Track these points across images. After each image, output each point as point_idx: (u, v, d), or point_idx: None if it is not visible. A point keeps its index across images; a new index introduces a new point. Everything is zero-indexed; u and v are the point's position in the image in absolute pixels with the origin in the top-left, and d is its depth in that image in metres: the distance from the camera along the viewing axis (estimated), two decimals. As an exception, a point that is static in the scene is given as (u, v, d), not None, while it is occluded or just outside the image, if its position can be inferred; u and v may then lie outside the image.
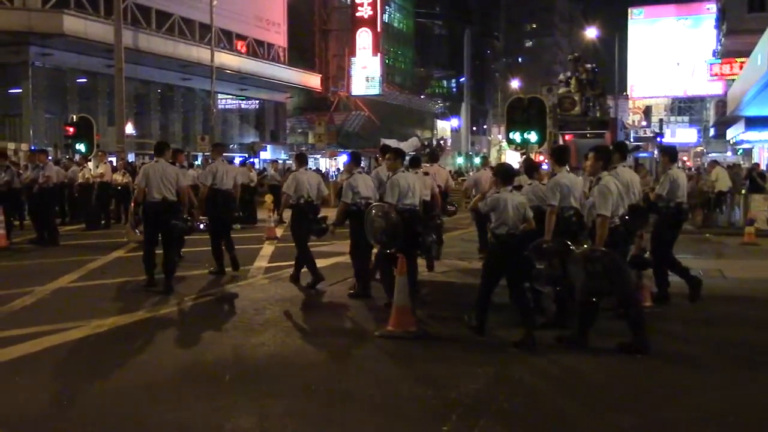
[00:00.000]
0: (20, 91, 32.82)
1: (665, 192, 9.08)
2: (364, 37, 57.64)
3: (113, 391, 5.83)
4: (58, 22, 30.22)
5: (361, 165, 10.26)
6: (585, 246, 7.00)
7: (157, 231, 9.98)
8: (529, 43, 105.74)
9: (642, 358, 6.79)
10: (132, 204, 12.30)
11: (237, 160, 33.16)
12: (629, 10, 73.69)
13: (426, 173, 11.63)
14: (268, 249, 14.19)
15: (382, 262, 9.01)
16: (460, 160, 70.62)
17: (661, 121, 54.11)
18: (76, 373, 6.27)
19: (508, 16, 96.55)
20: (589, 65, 28.70)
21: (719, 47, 47.00)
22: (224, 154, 12.54)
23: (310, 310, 9.06)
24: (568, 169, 8.25)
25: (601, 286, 6.71)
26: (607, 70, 50.49)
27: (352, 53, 57.84)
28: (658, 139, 45.68)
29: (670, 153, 9.71)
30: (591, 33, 62.38)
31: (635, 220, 7.62)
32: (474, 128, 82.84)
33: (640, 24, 72.14)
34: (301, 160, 10.98)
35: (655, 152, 41.38)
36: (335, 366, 6.65)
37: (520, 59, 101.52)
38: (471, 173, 20.01)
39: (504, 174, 7.54)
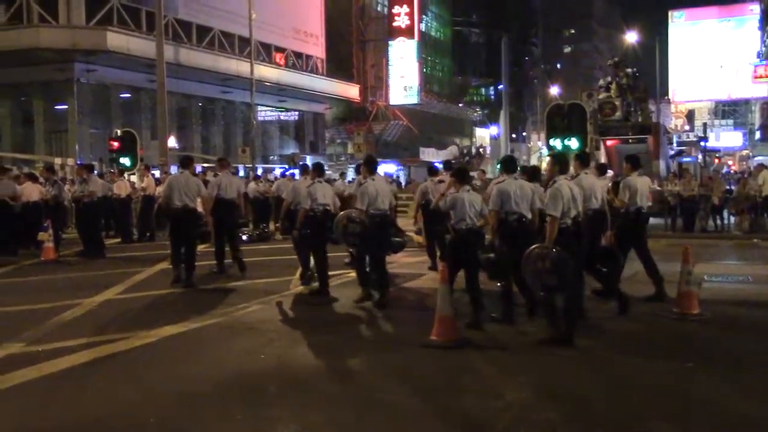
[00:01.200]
0: (66, 107, 33.61)
1: (626, 198, 9.65)
2: (401, 47, 57.77)
3: (159, 402, 5.91)
4: (102, 39, 30.88)
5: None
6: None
7: (180, 234, 11.28)
8: (567, 49, 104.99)
9: (693, 366, 6.68)
10: (160, 206, 13.06)
11: (277, 171, 33.50)
12: (670, 13, 72.81)
13: (441, 181, 12.13)
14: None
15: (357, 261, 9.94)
16: (499, 168, 70.21)
17: (704, 125, 53.13)
18: (124, 384, 6.37)
19: (546, 22, 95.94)
20: (629, 69, 28.40)
21: (763, 49, 46.15)
22: (264, 165, 13.25)
23: (351, 320, 9.08)
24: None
25: (550, 281, 7.22)
26: (647, 74, 49.85)
27: (390, 63, 58.00)
28: (702, 143, 44.92)
29: (633, 161, 10.09)
30: (631, 37, 61.70)
31: (596, 224, 8.41)
32: (513, 135, 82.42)
33: (681, 27, 71.21)
34: (319, 170, 10.94)
35: (699, 156, 40.73)
36: (376, 376, 6.65)
37: (558, 65, 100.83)
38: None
39: (461, 176, 8.68)
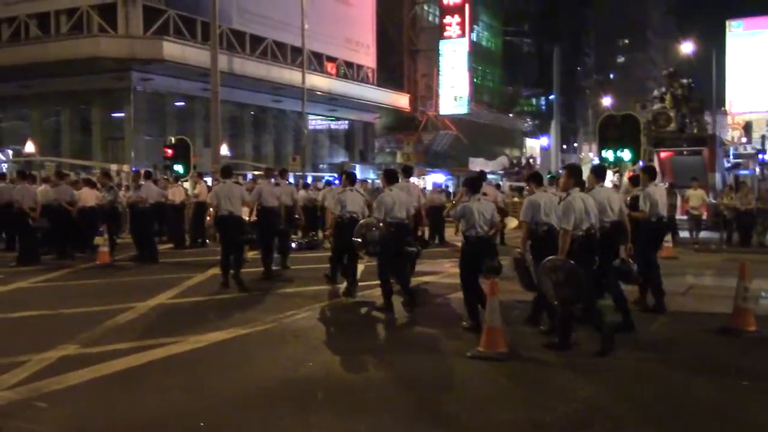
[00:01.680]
0: (123, 115, 34.42)
1: (647, 209, 9.72)
2: (452, 57, 57.71)
3: (209, 405, 5.99)
4: (159, 48, 31.58)
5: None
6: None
7: (227, 239, 11.99)
8: (621, 59, 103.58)
9: (748, 384, 6.51)
10: (208, 218, 13.93)
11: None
12: (727, 23, 71.33)
13: (483, 194, 12.27)
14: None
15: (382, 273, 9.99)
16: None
17: (763, 137, 51.74)
18: (175, 387, 6.48)
19: (600, 32, 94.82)
20: (684, 80, 27.88)
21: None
22: (314, 174, 13.77)
23: (399, 328, 9.08)
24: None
25: (565, 293, 7.31)
26: (703, 84, 48.88)
27: (441, 73, 57.99)
28: (760, 155, 43.79)
29: (650, 172, 10.42)
30: (686, 47, 60.54)
31: (616, 235, 8.48)
32: (564, 146, 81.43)
33: (739, 37, 69.70)
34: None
35: (756, 169, 39.72)
36: (422, 385, 6.64)
37: (611, 75, 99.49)
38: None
39: (472, 185, 8.87)
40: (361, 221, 10.34)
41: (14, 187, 15.86)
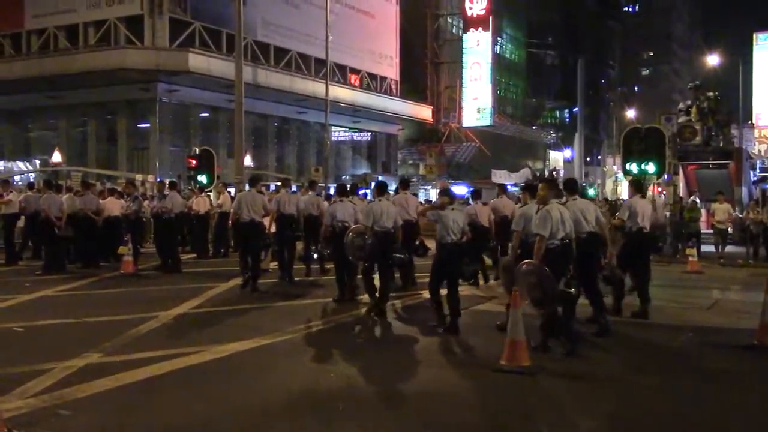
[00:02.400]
0: (148, 125, 34.82)
1: (625, 217, 10.45)
2: (475, 69, 57.72)
3: (231, 415, 5.99)
4: (184, 60, 31.92)
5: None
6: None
7: (247, 243, 12.74)
8: (645, 72, 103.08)
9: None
10: (231, 221, 14.57)
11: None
12: (754, 36, 70.73)
13: (485, 203, 14.08)
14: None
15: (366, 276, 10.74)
16: (573, 191, 69.10)
17: (790, 151, 51.25)
18: (198, 396, 6.50)
19: (624, 44, 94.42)
20: (710, 93, 27.63)
21: None
22: (336, 185, 15.47)
23: (420, 341, 9.04)
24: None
25: (536, 296, 7.80)
26: (730, 97, 48.42)
27: (464, 85, 58.01)
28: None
29: (636, 186, 11.18)
30: (712, 60, 60.07)
31: (591, 245, 8.95)
32: (588, 159, 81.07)
33: (766, 49, 68.98)
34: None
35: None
36: (445, 398, 6.59)
37: (636, 88, 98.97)
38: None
39: (448, 195, 9.93)
40: (352, 227, 11.05)
41: (41, 197, 16.07)
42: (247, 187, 14.02)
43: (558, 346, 8.12)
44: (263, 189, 17.04)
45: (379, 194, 11.24)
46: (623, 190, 55.02)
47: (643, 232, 10.47)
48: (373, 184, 12.45)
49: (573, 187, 9.56)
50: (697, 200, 22.14)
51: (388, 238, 10.66)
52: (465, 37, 58.10)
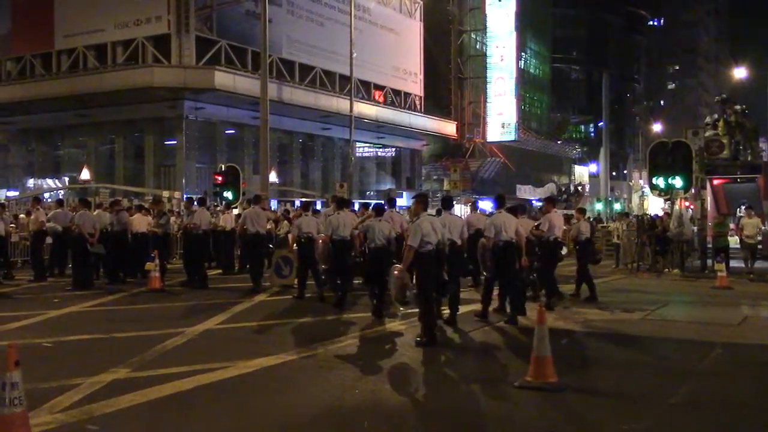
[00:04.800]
0: (175, 142, 35.18)
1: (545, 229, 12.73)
2: (499, 84, 57.71)
3: (255, 431, 6.02)
4: (210, 78, 32.25)
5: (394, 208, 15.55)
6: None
7: (253, 252, 15.29)
8: (671, 85, 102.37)
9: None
10: (238, 233, 16.75)
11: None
12: (782, 48, 69.84)
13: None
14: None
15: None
16: (599, 206, 68.68)
17: (820, 164, 50.36)
18: (223, 413, 6.51)
19: (649, 58, 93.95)
20: (738, 106, 27.30)
21: None
22: (361, 201, 15.78)
23: (447, 355, 9.02)
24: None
25: (400, 295, 9.43)
26: (758, 111, 47.86)
27: (488, 100, 57.98)
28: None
29: (550, 201, 13.90)
30: (739, 73, 59.54)
31: (507, 252, 11.12)
32: (613, 173, 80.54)
33: (794, 62, 68.12)
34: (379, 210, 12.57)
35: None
36: (468, 415, 6.55)
37: (661, 102, 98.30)
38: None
39: (377, 210, 12.09)
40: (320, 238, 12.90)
41: (74, 214, 16.33)
42: (274, 204, 15.24)
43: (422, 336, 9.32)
44: (265, 206, 19.62)
45: (339, 207, 13.49)
46: (649, 205, 54.52)
47: (558, 240, 12.94)
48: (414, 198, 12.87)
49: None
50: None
51: (345, 245, 12.65)
52: (489, 52, 58.17)
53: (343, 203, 14.12)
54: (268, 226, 17.34)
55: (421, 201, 10.35)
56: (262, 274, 15.33)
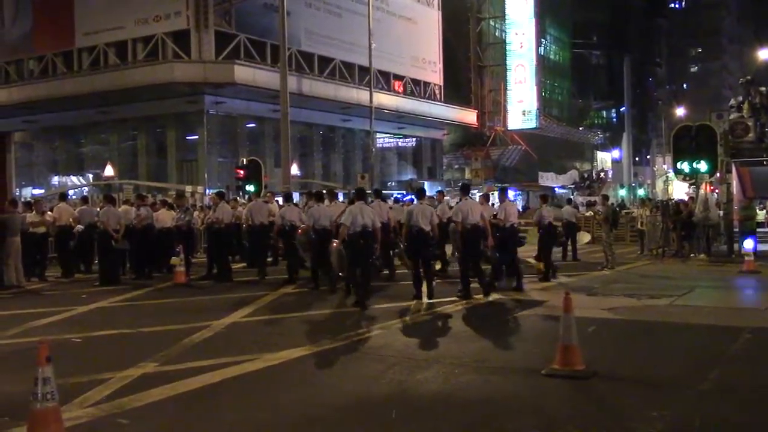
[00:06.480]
0: (196, 137, 35.38)
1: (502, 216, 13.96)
2: (519, 71, 57.35)
3: (285, 423, 6.05)
4: (230, 72, 32.36)
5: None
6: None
7: (258, 242, 16.74)
8: (694, 69, 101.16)
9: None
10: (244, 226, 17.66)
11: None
12: (808, 28, 68.72)
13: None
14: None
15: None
16: (622, 192, 68.15)
17: None
18: (252, 404, 6.56)
19: (671, 41, 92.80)
20: (763, 88, 26.90)
21: None
22: (383, 191, 18.01)
23: (473, 345, 9.00)
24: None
25: (340, 264, 12.20)
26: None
27: (509, 88, 57.66)
28: None
29: (464, 189, 14.27)
30: (764, 54, 58.57)
31: (475, 234, 12.63)
32: (636, 159, 79.90)
33: (820, 41, 66.99)
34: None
35: None
36: (498, 405, 6.52)
37: (684, 85, 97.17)
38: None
39: (359, 195, 12.90)
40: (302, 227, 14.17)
41: (98, 210, 16.48)
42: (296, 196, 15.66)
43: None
44: (269, 198, 20.15)
45: (318, 200, 14.50)
46: (674, 190, 53.96)
47: (514, 227, 14.08)
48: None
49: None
50: None
51: (326, 236, 13.35)
52: (508, 39, 57.80)
53: (319, 196, 14.85)
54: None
55: (358, 194, 12.91)
56: (266, 263, 16.70)
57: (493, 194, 44.31)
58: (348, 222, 11.86)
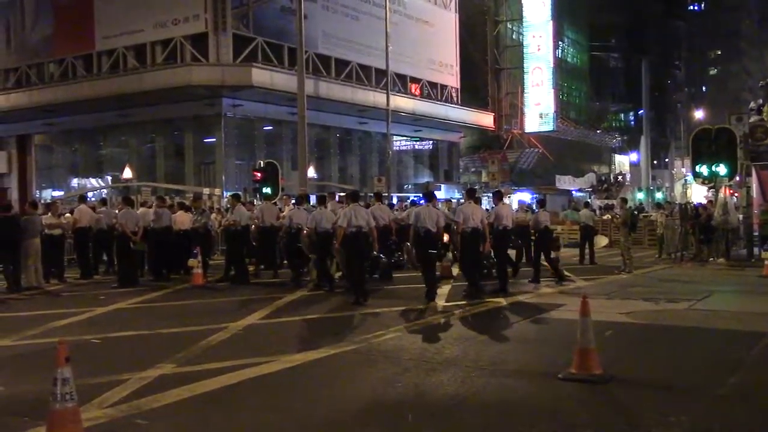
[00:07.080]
0: (214, 140, 35.58)
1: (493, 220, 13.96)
2: (537, 74, 57.20)
3: (301, 425, 6.06)
4: (248, 75, 32.52)
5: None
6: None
7: (269, 242, 16.77)
8: (713, 71, 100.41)
9: None
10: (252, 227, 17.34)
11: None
12: (828, 30, 68.11)
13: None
14: (444, 288, 14.25)
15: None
16: (640, 196, 67.72)
17: None
18: (267, 407, 6.58)
19: (690, 43, 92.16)
20: (783, 90, 26.70)
21: None
22: (399, 194, 16.78)
23: (489, 348, 8.98)
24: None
25: (342, 259, 13.32)
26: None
27: (526, 90, 57.48)
28: None
29: (498, 195, 15.26)
30: (784, 56, 58.02)
31: (474, 237, 13.08)
32: (655, 162, 79.35)
33: (841, 44, 66.38)
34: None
35: None
36: (514, 409, 6.50)
37: (703, 88, 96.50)
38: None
39: (352, 197, 13.62)
40: (304, 231, 14.65)
41: (117, 212, 16.60)
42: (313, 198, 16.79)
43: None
44: (277, 202, 20.94)
45: (320, 204, 14.79)
46: (693, 193, 53.60)
47: (507, 229, 14.11)
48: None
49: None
50: None
51: (328, 237, 13.74)
52: (525, 42, 57.65)
53: (321, 199, 15.27)
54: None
55: (352, 196, 13.73)
56: (275, 263, 17.27)
57: (509, 197, 44.02)
58: (344, 224, 12.50)
